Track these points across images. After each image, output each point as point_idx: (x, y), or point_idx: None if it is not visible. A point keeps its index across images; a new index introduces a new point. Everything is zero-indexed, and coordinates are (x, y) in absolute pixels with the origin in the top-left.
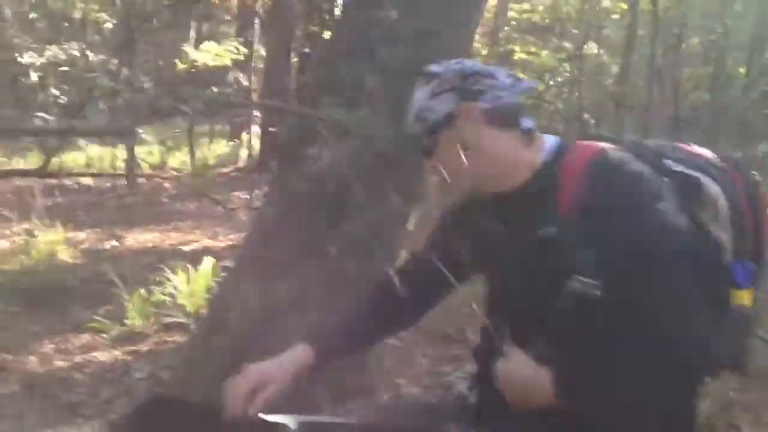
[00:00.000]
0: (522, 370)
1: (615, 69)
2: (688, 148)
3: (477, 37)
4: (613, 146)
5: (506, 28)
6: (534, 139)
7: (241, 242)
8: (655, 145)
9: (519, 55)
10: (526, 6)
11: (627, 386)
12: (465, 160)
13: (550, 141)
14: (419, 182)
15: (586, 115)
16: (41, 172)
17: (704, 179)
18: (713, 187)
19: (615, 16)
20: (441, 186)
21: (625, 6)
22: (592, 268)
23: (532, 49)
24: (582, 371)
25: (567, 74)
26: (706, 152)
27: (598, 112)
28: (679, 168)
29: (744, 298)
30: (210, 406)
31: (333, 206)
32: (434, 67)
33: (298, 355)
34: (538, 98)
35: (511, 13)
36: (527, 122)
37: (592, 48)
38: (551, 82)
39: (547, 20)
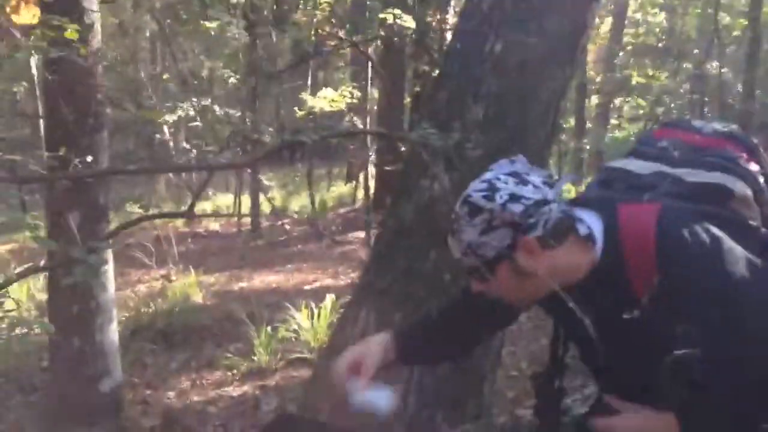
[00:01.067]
0: (644, 418)
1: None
2: (691, 134)
3: (591, 64)
4: (656, 212)
5: (621, 54)
6: (593, 238)
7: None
8: (669, 152)
9: (637, 79)
10: (641, 30)
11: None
12: (524, 285)
13: (598, 227)
14: None
15: None
16: (188, 214)
17: (725, 180)
18: (737, 184)
19: (736, 33)
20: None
21: (745, 22)
22: (689, 337)
23: (650, 73)
24: (707, 419)
25: (688, 96)
26: (705, 131)
27: None
28: (700, 179)
29: None
30: (333, 425)
31: (443, 233)
32: (480, 199)
33: (384, 342)
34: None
35: (626, 38)
36: (582, 228)
37: (714, 67)
38: (672, 105)
39: (664, 41)
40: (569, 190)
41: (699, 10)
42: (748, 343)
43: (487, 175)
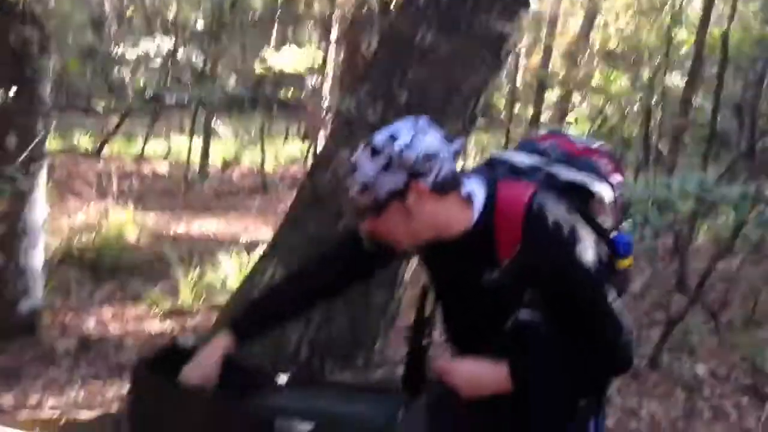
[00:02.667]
0: (480, 365)
1: (697, 101)
2: (570, 143)
3: (557, 58)
4: (530, 191)
5: (587, 53)
6: (472, 199)
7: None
8: (548, 153)
9: (597, 81)
10: (606, 33)
11: (571, 377)
12: (409, 227)
13: (480, 194)
14: None
15: (657, 142)
16: (99, 152)
17: (591, 183)
18: (599, 187)
19: (686, 49)
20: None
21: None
22: (534, 302)
23: (612, 76)
24: (536, 366)
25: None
26: (581, 143)
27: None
28: (570, 176)
29: (626, 263)
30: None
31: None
32: (382, 142)
33: (220, 343)
34: (612, 125)
35: (593, 40)
36: (465, 188)
37: (671, 78)
38: (626, 109)
39: (624, 48)
40: None
41: (658, 21)
42: (580, 316)
43: (392, 125)
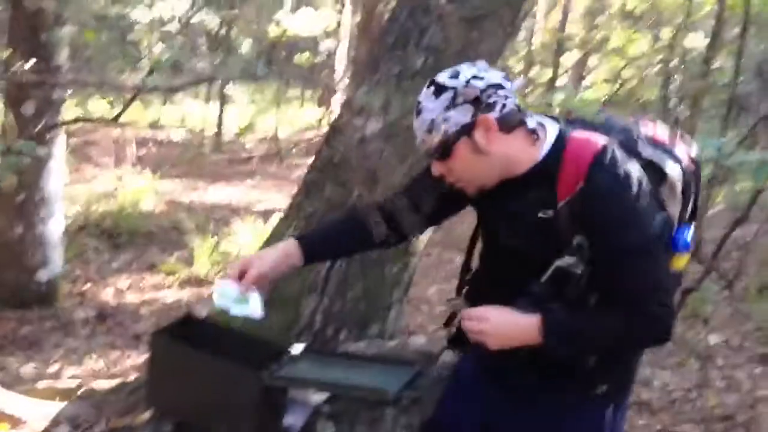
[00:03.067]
0: (513, 314)
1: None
2: (654, 131)
3: (575, 20)
4: (606, 142)
5: (607, 13)
6: (539, 134)
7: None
8: (633, 132)
9: (615, 43)
10: None
11: (606, 340)
12: (479, 165)
13: (551, 133)
14: None
15: (676, 106)
16: (116, 120)
17: (667, 164)
18: (674, 170)
19: (707, 8)
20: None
21: None
22: (582, 250)
23: (631, 37)
24: (571, 322)
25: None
26: (666, 134)
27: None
28: (649, 154)
29: (681, 262)
30: (235, 330)
31: (369, 172)
32: (445, 79)
33: (286, 249)
34: (631, 88)
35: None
36: (531, 121)
37: (691, 40)
38: (645, 73)
39: (644, 9)
40: None
41: None
42: (625, 274)
43: (451, 68)
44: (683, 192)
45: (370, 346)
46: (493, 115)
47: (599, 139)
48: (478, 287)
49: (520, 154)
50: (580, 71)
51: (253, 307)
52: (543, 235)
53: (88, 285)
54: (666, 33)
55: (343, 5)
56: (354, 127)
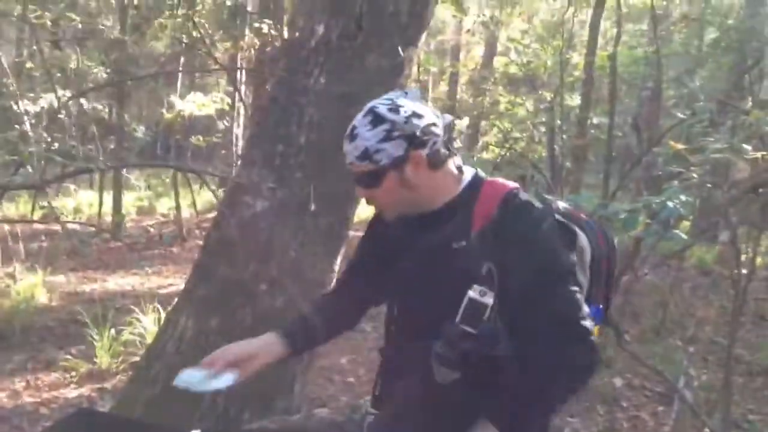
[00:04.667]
0: None
1: (596, 120)
2: (569, 207)
3: (463, 86)
4: (519, 185)
5: (492, 80)
6: (462, 171)
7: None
8: (549, 200)
9: (505, 106)
10: (509, 58)
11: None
12: (403, 196)
13: (468, 173)
14: (341, 227)
15: (563, 163)
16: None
17: (579, 232)
18: (584, 240)
19: (577, 73)
20: (375, 209)
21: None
22: (491, 279)
23: (518, 100)
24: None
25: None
26: (582, 211)
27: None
28: (561, 216)
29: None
30: (131, 419)
31: (262, 248)
32: (384, 111)
33: (270, 342)
34: (521, 148)
35: (497, 65)
36: (457, 160)
37: (571, 99)
38: (534, 131)
39: (523, 73)
40: None
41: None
42: (537, 293)
43: (388, 95)
44: (590, 266)
45: (273, 422)
46: (424, 152)
47: (513, 184)
48: (396, 346)
49: (442, 189)
50: (473, 135)
51: (222, 380)
52: (455, 266)
53: None
54: (547, 95)
55: (235, 85)
56: (244, 206)
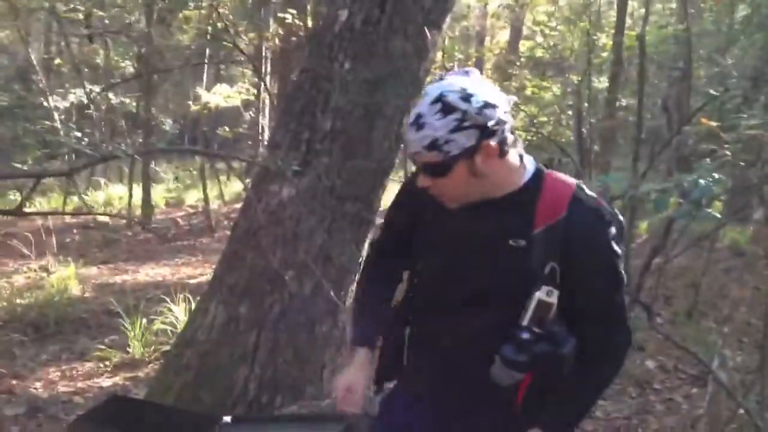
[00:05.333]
0: None
1: (624, 101)
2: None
3: (489, 72)
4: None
5: (518, 63)
6: (524, 159)
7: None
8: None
9: (531, 89)
10: (535, 41)
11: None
12: (471, 186)
13: (530, 165)
14: (368, 212)
15: (591, 145)
16: (18, 212)
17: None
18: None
19: (606, 54)
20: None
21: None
22: (554, 278)
23: (545, 83)
24: (564, 415)
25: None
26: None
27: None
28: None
29: None
30: (163, 406)
31: (288, 236)
32: (456, 99)
33: (365, 358)
34: (548, 132)
35: (522, 48)
36: (520, 148)
37: (599, 81)
38: (561, 115)
39: (550, 56)
40: None
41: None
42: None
43: (451, 80)
44: None
45: (304, 408)
46: (494, 141)
47: (574, 180)
48: (417, 318)
49: (508, 178)
50: None
51: None
52: (512, 264)
53: (15, 381)
54: (574, 78)
55: (260, 76)
56: (270, 194)
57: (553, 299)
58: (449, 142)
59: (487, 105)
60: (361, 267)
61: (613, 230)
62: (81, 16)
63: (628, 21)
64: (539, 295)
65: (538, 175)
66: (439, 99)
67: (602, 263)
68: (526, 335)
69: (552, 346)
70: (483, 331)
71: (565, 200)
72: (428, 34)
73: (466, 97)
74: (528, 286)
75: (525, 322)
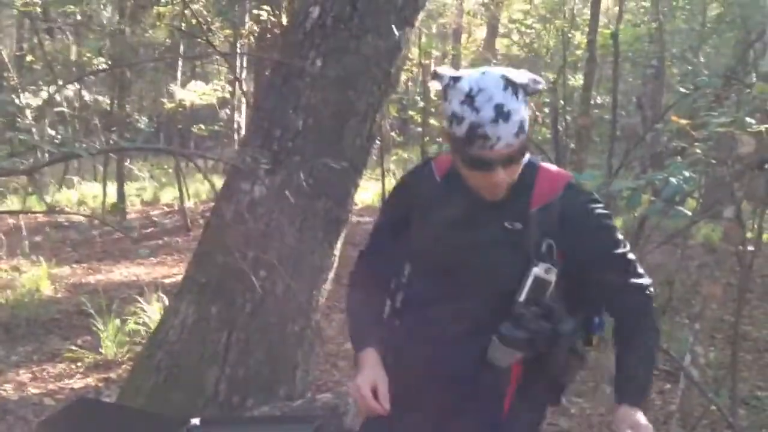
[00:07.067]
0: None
1: (599, 99)
2: None
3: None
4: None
5: (494, 61)
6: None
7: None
8: None
9: None
10: (512, 39)
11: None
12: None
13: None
14: (340, 211)
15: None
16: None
17: None
18: None
19: (579, 52)
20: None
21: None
22: (551, 256)
23: None
24: (643, 380)
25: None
26: None
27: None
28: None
29: (593, 341)
30: (131, 408)
31: (259, 235)
32: (513, 75)
33: (377, 357)
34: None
35: (498, 46)
36: None
37: (575, 79)
38: (537, 113)
39: (525, 53)
40: None
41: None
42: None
43: (481, 70)
44: None
45: (275, 408)
46: None
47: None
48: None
49: None
50: None
51: None
52: (508, 246)
53: None
54: (550, 75)
55: (235, 73)
56: (242, 192)
57: (552, 277)
58: (525, 120)
59: (535, 80)
60: (351, 273)
61: (605, 207)
62: (39, 9)
63: (603, 19)
64: (537, 271)
65: (531, 165)
66: (505, 80)
67: (602, 227)
68: (523, 310)
69: (551, 323)
70: (481, 319)
71: (561, 185)
72: (400, 32)
73: (516, 74)
74: (525, 265)
75: (522, 298)
